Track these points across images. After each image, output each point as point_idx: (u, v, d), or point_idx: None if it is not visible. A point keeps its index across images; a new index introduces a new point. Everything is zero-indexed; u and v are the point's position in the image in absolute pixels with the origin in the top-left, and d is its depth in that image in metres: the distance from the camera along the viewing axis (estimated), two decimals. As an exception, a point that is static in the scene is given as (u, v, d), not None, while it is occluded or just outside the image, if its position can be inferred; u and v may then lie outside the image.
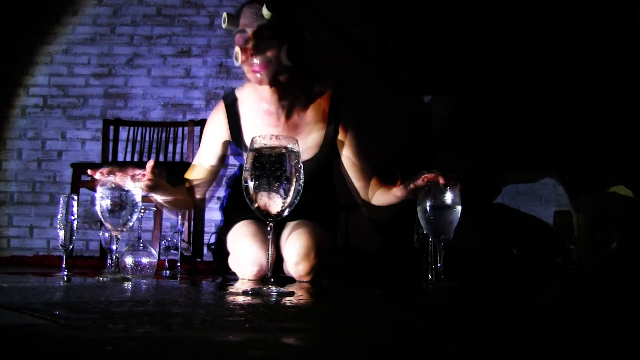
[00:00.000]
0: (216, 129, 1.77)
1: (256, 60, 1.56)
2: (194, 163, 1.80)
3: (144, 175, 1.45)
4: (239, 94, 1.77)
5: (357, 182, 1.75)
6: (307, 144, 1.70)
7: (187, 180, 1.76)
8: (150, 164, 1.47)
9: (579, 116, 3.10)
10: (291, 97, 1.68)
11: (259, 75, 1.58)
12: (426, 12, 2.90)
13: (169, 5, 3.95)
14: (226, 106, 1.76)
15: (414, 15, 2.96)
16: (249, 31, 1.58)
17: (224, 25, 1.61)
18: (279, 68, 1.59)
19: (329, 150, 1.75)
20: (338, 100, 1.75)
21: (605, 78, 2.82)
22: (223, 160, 1.80)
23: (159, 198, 1.59)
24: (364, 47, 3.29)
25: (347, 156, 1.75)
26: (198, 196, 1.78)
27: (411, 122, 3.48)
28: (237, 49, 1.57)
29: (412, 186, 1.45)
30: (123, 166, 1.42)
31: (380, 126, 3.19)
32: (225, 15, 1.61)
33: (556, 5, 2.61)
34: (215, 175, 1.80)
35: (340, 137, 1.74)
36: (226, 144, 1.78)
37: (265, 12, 1.52)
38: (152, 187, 1.49)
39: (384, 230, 2.86)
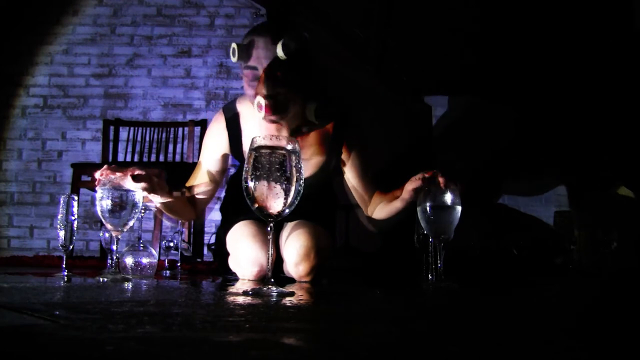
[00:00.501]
0: (216, 142, 1.74)
1: (268, 102, 1.52)
2: (193, 173, 1.78)
3: (142, 176, 1.42)
4: (240, 107, 1.74)
5: (358, 199, 1.76)
6: (309, 165, 1.69)
7: (187, 189, 1.75)
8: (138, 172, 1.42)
9: (579, 116, 3.10)
10: (296, 122, 1.66)
11: (269, 116, 1.55)
12: (426, 12, 2.90)
13: (169, 5, 3.95)
14: (226, 119, 1.73)
15: (414, 15, 2.96)
16: (261, 69, 1.53)
17: (234, 59, 1.54)
18: (289, 108, 1.57)
19: (329, 171, 1.75)
20: (343, 124, 1.73)
21: (605, 78, 2.82)
22: (223, 171, 1.78)
23: (157, 200, 1.57)
24: (364, 47, 3.29)
25: (349, 178, 1.75)
26: (199, 206, 1.76)
27: (411, 122, 3.48)
28: (260, 100, 1.51)
29: (412, 188, 1.45)
30: (124, 167, 1.41)
31: (380, 126, 3.19)
32: (234, 46, 1.54)
33: (557, 5, 2.61)
34: (216, 185, 1.77)
35: (343, 158, 1.74)
36: (226, 157, 1.76)
37: (280, 53, 1.48)
38: (150, 189, 1.46)
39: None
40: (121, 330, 0.56)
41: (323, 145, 1.71)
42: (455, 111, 3.58)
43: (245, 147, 1.71)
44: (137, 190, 1.38)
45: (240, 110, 1.73)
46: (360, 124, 1.79)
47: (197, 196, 1.74)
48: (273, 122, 1.57)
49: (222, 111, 1.76)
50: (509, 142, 3.26)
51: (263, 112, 1.53)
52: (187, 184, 1.76)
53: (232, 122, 1.73)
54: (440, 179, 1.37)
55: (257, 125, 1.69)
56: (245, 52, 1.54)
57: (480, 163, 3.25)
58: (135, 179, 1.36)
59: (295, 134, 1.66)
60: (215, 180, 1.76)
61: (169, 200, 1.58)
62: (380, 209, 1.68)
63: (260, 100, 1.52)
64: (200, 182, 1.75)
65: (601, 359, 0.51)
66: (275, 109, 1.53)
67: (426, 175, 1.41)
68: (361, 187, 1.74)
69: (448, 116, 3.61)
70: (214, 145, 1.75)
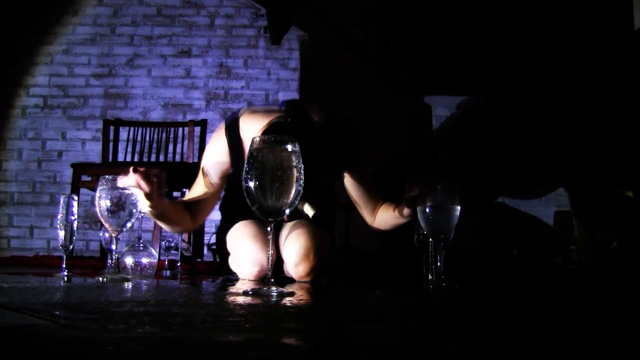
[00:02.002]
0: (217, 159, 1.71)
1: None
2: (193, 186, 1.75)
3: (142, 174, 1.41)
4: (243, 123, 1.68)
5: (362, 211, 1.76)
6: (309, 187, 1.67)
7: (185, 202, 1.72)
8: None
9: (579, 116, 3.10)
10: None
11: None
12: (426, 12, 2.90)
13: (169, 5, 3.95)
14: (229, 136, 1.69)
15: (414, 15, 2.96)
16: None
17: None
18: None
19: (330, 189, 1.76)
20: (345, 148, 1.69)
21: (604, 78, 2.82)
22: (221, 187, 1.75)
23: (145, 209, 1.52)
24: (364, 47, 3.30)
25: (352, 194, 1.74)
26: (196, 219, 1.72)
27: (411, 122, 3.48)
28: None
29: (408, 197, 1.46)
30: (124, 166, 1.40)
31: (380, 126, 3.19)
32: None
33: (557, 5, 2.61)
34: (214, 200, 1.75)
35: (346, 178, 1.73)
36: (225, 175, 1.73)
37: (308, 213, 1.49)
38: (149, 189, 1.45)
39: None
40: (121, 330, 0.56)
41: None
42: (455, 111, 3.58)
43: None
44: (137, 191, 1.38)
45: (243, 136, 1.67)
46: (364, 143, 1.76)
47: (194, 208, 1.71)
48: None
49: (225, 130, 1.70)
50: (508, 142, 3.26)
51: None
52: (186, 197, 1.75)
53: (234, 139, 1.69)
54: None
55: None
56: None
57: (480, 163, 3.26)
58: (135, 174, 1.35)
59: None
60: (214, 195, 1.73)
61: (160, 207, 1.53)
62: (381, 219, 1.70)
63: None
64: (199, 194, 1.72)
65: (600, 359, 0.51)
66: None
67: (419, 183, 1.42)
68: (364, 202, 1.73)
69: (448, 116, 3.61)
70: (215, 161, 1.71)
